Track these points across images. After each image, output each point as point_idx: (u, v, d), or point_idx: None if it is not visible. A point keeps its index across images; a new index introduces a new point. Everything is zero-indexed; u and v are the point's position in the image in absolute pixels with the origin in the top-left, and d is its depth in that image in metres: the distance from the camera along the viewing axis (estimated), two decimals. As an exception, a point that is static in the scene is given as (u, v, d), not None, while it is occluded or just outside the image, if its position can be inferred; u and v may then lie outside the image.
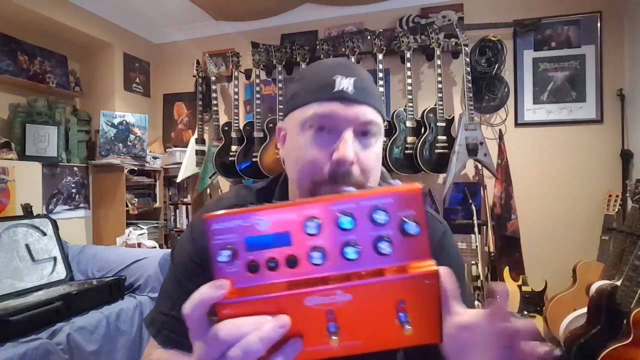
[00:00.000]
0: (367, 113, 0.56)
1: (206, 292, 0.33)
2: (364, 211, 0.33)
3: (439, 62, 2.57)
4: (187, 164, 3.10)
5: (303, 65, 2.87)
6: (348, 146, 0.54)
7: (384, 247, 0.33)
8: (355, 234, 0.33)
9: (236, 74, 3.04)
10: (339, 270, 0.33)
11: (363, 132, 0.57)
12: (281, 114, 2.86)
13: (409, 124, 2.61)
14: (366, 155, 0.57)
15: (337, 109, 0.55)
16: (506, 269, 2.50)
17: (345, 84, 0.56)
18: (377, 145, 0.60)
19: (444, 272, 0.35)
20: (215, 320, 0.33)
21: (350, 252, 0.33)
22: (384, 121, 0.62)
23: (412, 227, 0.33)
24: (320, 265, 0.33)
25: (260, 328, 0.32)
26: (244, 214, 0.33)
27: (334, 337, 0.33)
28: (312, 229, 0.32)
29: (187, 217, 3.40)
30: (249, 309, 0.33)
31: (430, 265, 0.34)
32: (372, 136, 0.58)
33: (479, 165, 2.62)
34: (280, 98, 2.88)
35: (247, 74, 3.11)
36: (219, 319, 0.33)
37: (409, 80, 2.61)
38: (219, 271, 0.33)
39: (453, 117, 2.65)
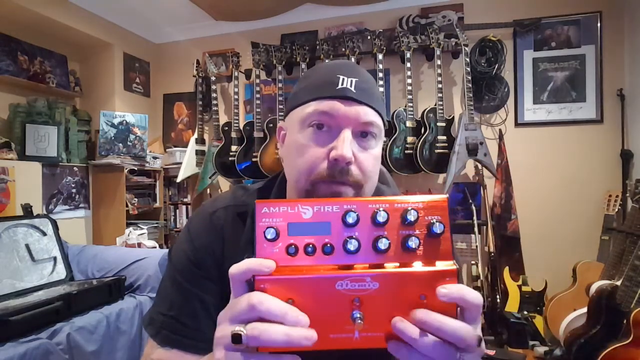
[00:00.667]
0: (367, 113, 0.56)
1: (254, 265, 0.36)
2: (397, 211, 0.37)
3: (439, 62, 2.57)
4: (187, 164, 3.10)
5: (303, 65, 2.87)
6: (346, 145, 0.54)
7: (412, 243, 0.36)
8: (387, 229, 0.37)
9: (236, 74, 3.04)
10: (370, 260, 0.37)
11: (363, 133, 0.57)
12: (281, 114, 2.86)
13: (409, 124, 2.61)
14: (365, 157, 0.56)
15: (337, 107, 0.55)
16: (506, 269, 2.50)
17: (347, 83, 0.56)
18: (377, 147, 0.59)
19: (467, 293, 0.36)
20: (250, 286, 0.37)
21: (382, 244, 0.37)
22: (384, 125, 0.61)
23: (438, 227, 0.37)
24: (353, 254, 0.37)
25: (290, 325, 0.35)
26: (291, 202, 0.38)
27: (358, 324, 0.35)
28: (351, 219, 0.37)
29: (187, 217, 3.40)
30: (284, 287, 0.36)
31: (452, 264, 0.37)
32: (372, 138, 0.58)
33: (479, 165, 2.62)
34: (280, 98, 2.88)
35: (247, 74, 3.11)
36: (255, 289, 0.36)
37: (409, 80, 2.61)
38: (261, 249, 0.37)
39: (453, 117, 2.65)
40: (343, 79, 0.56)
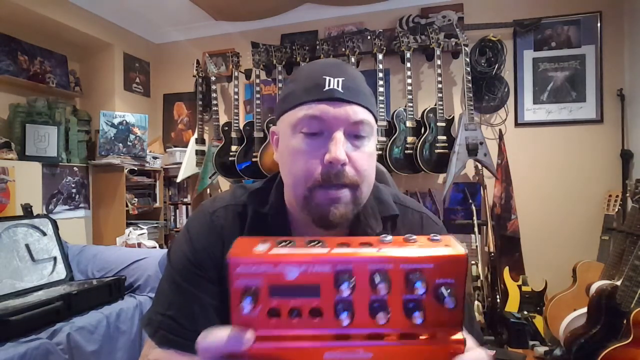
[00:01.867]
0: (357, 112, 0.56)
1: (231, 343, 0.32)
2: (401, 273, 0.31)
3: (439, 62, 2.57)
4: (187, 164, 3.10)
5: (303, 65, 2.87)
6: (339, 146, 0.54)
7: (416, 316, 0.31)
8: (389, 296, 0.32)
9: (236, 74, 3.03)
10: (365, 329, 0.32)
11: (355, 133, 0.57)
12: (281, 114, 2.85)
13: (409, 124, 2.61)
14: (359, 156, 0.56)
15: (326, 109, 0.55)
16: (506, 269, 2.50)
17: (334, 83, 0.55)
18: (370, 145, 0.59)
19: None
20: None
21: (381, 317, 0.31)
22: (376, 120, 0.61)
23: (448, 301, 0.31)
24: (345, 321, 0.32)
25: None
26: (273, 259, 0.31)
27: None
28: (345, 290, 0.31)
29: (187, 217, 3.40)
30: (266, 356, 0.32)
31: (459, 340, 0.32)
32: (365, 136, 0.58)
33: (479, 165, 2.62)
34: (280, 98, 2.87)
35: (247, 74, 3.10)
36: None
37: (409, 80, 2.61)
38: (237, 315, 0.32)
39: (453, 117, 2.65)
40: (329, 80, 0.56)
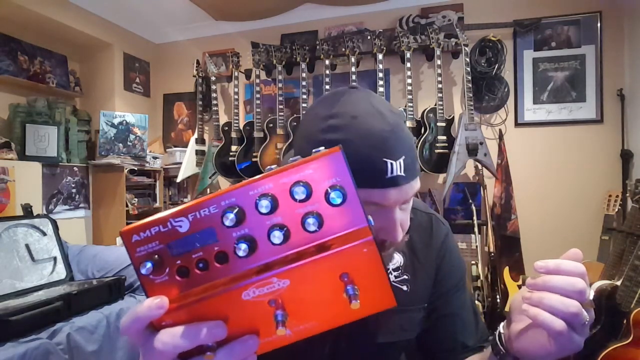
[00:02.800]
0: (414, 187, 0.52)
1: (144, 312, 0.31)
2: (285, 189, 0.30)
3: (439, 62, 2.57)
4: (187, 164, 3.10)
5: (303, 65, 2.87)
6: (398, 229, 0.51)
7: (312, 223, 0.30)
8: (281, 214, 0.31)
9: (236, 74, 3.03)
10: (271, 257, 0.31)
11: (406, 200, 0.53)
12: (281, 114, 2.86)
13: (409, 124, 2.61)
14: (406, 218, 0.54)
15: (389, 195, 0.49)
16: (506, 269, 2.50)
17: (397, 168, 0.49)
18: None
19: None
20: (154, 331, 0.32)
21: (277, 236, 0.30)
22: None
23: (336, 197, 0.30)
24: (249, 256, 0.31)
25: (196, 336, 0.31)
26: (161, 218, 0.31)
27: (280, 327, 0.31)
28: (231, 220, 0.29)
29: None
30: (187, 316, 0.31)
31: (365, 230, 0.31)
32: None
33: (479, 165, 2.62)
34: (281, 98, 2.87)
35: (247, 74, 3.10)
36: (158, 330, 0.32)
37: (409, 80, 2.61)
38: (148, 284, 0.31)
39: (453, 117, 2.65)
40: (392, 165, 0.48)
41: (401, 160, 0.49)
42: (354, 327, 0.60)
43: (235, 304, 0.32)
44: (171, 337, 0.31)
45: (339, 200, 0.30)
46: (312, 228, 0.30)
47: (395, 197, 0.49)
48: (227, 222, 0.29)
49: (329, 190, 0.30)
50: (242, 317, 0.32)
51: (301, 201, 0.30)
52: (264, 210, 0.30)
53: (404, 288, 0.65)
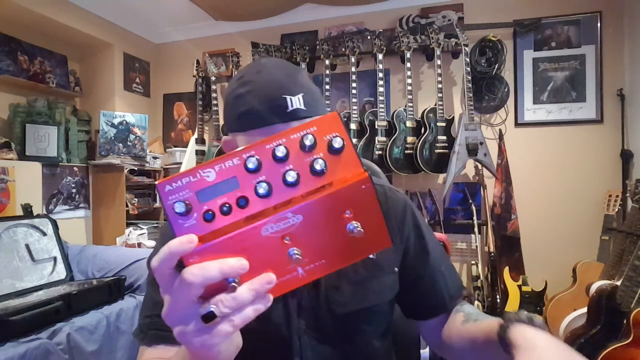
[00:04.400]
0: None
1: (175, 246, 0.34)
2: (295, 142, 0.36)
3: (439, 62, 2.57)
4: (187, 164, 3.11)
5: (303, 65, 2.87)
6: None
7: (318, 165, 0.36)
8: (292, 162, 0.36)
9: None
10: (286, 197, 0.36)
11: None
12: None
13: (409, 124, 2.61)
14: None
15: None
16: (506, 269, 2.50)
17: (296, 102, 0.56)
18: None
19: None
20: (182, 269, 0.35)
21: (290, 177, 0.36)
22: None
23: (337, 142, 0.36)
24: (267, 197, 0.36)
25: (223, 267, 0.34)
26: (191, 171, 0.36)
27: (296, 258, 0.36)
28: (252, 164, 0.36)
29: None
30: (213, 253, 0.35)
31: (361, 172, 0.37)
32: None
33: (479, 165, 2.62)
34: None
35: (247, 74, 3.10)
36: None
37: (409, 80, 2.61)
38: (178, 227, 0.35)
39: (453, 117, 2.65)
40: (291, 100, 0.56)
41: (299, 96, 0.57)
42: (327, 293, 0.63)
43: (255, 240, 0.36)
44: (200, 269, 0.33)
45: (338, 147, 0.36)
46: (319, 168, 0.36)
47: None
48: (250, 165, 0.36)
49: (331, 140, 0.36)
50: (261, 254, 0.36)
51: (309, 150, 0.36)
52: (279, 156, 0.36)
53: (371, 256, 0.66)
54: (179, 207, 0.35)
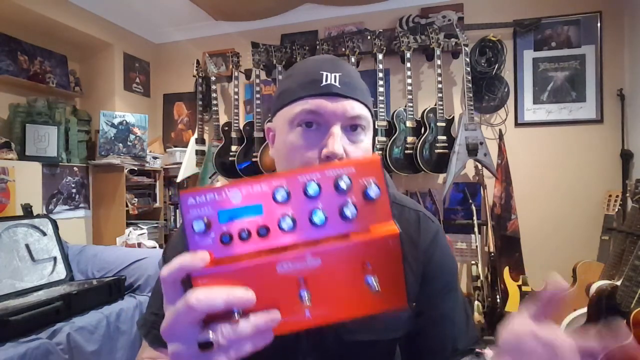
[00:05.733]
0: (354, 107, 0.56)
1: (186, 260, 0.33)
2: (329, 180, 0.35)
3: (439, 62, 2.57)
4: (187, 164, 3.10)
5: (303, 65, 2.86)
6: (337, 141, 0.54)
7: (349, 211, 0.34)
8: (322, 201, 0.35)
9: (236, 74, 3.04)
10: (308, 236, 0.35)
11: (352, 127, 0.57)
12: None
13: (409, 124, 2.61)
14: (355, 151, 0.57)
15: (324, 104, 0.55)
16: (506, 269, 2.50)
17: (331, 78, 0.56)
18: (367, 140, 0.60)
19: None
20: (187, 286, 0.34)
21: (318, 218, 0.34)
22: (372, 116, 0.62)
23: (373, 190, 0.35)
24: (290, 232, 0.35)
25: (229, 297, 0.33)
26: (217, 188, 0.35)
27: (306, 302, 0.34)
28: (281, 196, 0.34)
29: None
30: (223, 279, 0.34)
31: (391, 227, 0.35)
32: (361, 131, 0.58)
33: (479, 165, 2.62)
34: (280, 98, 2.87)
35: (247, 74, 3.10)
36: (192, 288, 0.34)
37: (409, 80, 2.61)
38: (194, 243, 0.35)
39: (453, 117, 2.65)
40: (327, 75, 0.56)
41: (337, 74, 0.56)
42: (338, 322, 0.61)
43: (268, 275, 0.34)
44: (206, 295, 0.32)
45: (373, 196, 0.35)
46: (349, 215, 0.34)
47: (332, 108, 0.55)
48: (278, 197, 0.34)
49: (367, 185, 0.35)
50: (271, 290, 0.34)
51: (341, 192, 0.35)
52: (310, 193, 0.34)
53: None
54: (198, 225, 0.34)
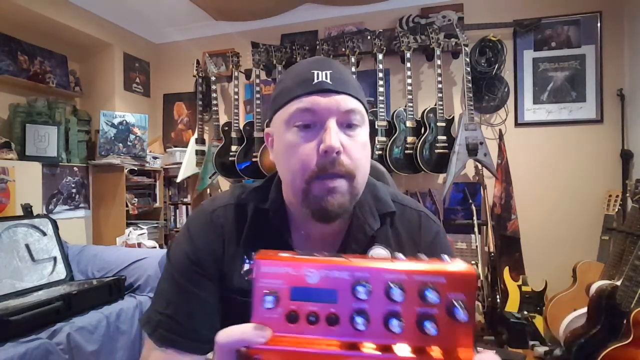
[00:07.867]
0: (347, 101, 0.58)
1: (249, 334, 0.33)
2: (415, 285, 0.32)
3: (439, 62, 2.57)
4: (187, 164, 3.10)
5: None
6: (333, 135, 0.55)
7: (429, 328, 0.32)
8: (402, 308, 0.33)
9: (236, 74, 3.03)
10: (379, 339, 0.33)
11: (347, 123, 0.58)
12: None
13: (409, 124, 2.61)
14: (352, 145, 0.57)
15: (317, 100, 0.56)
16: (506, 269, 2.50)
17: (322, 76, 0.58)
18: (363, 134, 0.60)
19: None
20: (243, 357, 0.33)
21: (395, 325, 0.32)
22: (366, 111, 0.62)
23: (460, 314, 0.32)
24: (361, 330, 0.32)
25: None
26: (296, 262, 0.33)
27: None
28: (362, 294, 0.32)
29: (187, 217, 3.40)
30: (281, 358, 0.33)
31: (470, 355, 0.32)
32: (357, 125, 0.59)
33: (479, 165, 2.62)
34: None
35: (247, 74, 3.10)
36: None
37: (409, 80, 2.61)
38: (259, 315, 0.33)
39: (453, 117, 2.65)
40: (318, 74, 0.58)
41: (327, 72, 0.58)
42: None
43: None
44: None
45: (459, 318, 0.32)
46: (428, 332, 0.32)
47: (325, 103, 0.56)
48: (358, 295, 0.32)
49: (455, 304, 0.32)
50: None
51: (426, 303, 0.32)
52: (392, 298, 0.32)
53: None
54: (268, 302, 0.32)
